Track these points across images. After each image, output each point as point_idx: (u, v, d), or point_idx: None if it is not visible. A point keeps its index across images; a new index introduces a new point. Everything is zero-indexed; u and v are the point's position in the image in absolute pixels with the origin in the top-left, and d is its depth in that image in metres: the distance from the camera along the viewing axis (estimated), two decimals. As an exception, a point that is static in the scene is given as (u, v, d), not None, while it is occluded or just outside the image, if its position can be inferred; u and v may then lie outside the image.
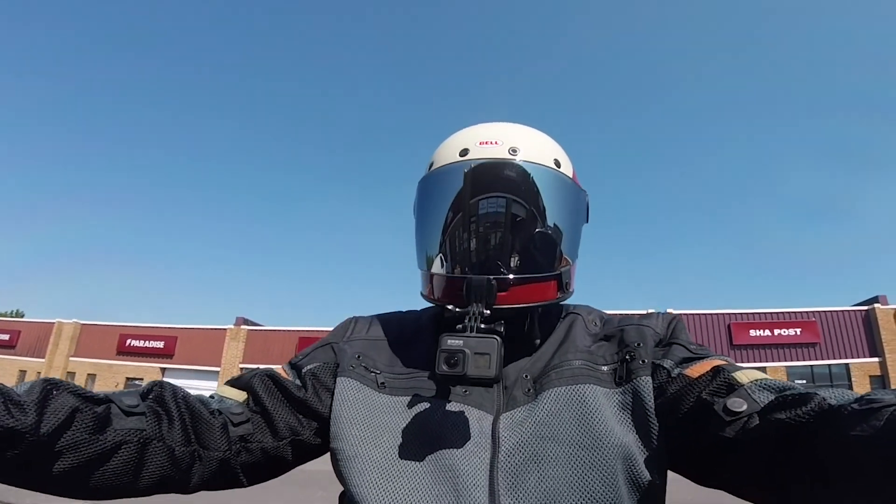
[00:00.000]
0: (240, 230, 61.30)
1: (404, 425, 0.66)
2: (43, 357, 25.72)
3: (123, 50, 59.44)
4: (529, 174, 0.72)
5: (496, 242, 0.71)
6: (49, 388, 0.51)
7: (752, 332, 20.57)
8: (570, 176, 0.78)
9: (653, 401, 0.64)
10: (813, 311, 20.60)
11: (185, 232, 62.40)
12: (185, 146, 56.04)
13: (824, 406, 0.50)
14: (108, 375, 24.68)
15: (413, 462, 0.63)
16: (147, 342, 25.19)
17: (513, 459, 0.62)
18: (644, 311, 0.80)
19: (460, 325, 0.63)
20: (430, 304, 0.78)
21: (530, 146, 0.74)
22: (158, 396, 0.61)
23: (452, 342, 0.60)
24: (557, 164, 0.76)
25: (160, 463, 0.58)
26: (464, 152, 0.74)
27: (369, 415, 0.67)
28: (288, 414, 0.69)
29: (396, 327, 0.80)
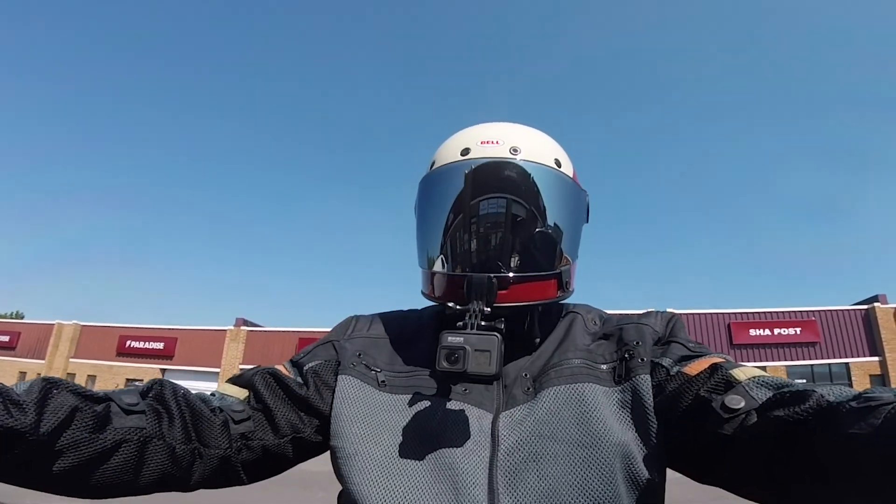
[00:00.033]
0: (240, 230, 61.35)
1: (404, 423, 0.66)
2: (43, 358, 25.68)
3: (123, 50, 59.53)
4: (530, 174, 0.72)
5: (497, 241, 0.71)
6: (48, 387, 0.51)
7: (752, 332, 20.53)
8: (571, 176, 0.78)
9: (652, 399, 0.64)
10: (813, 311, 20.56)
11: (185, 232, 62.49)
12: (185, 146, 56.08)
13: (822, 403, 0.50)
14: (108, 377, 24.63)
15: (413, 460, 0.63)
16: (147, 343, 25.12)
17: (512, 458, 0.62)
18: (643, 311, 0.80)
19: (461, 323, 0.64)
20: (432, 303, 0.78)
21: (531, 146, 0.75)
22: (158, 394, 0.61)
23: (453, 339, 0.60)
24: (558, 163, 0.76)
25: (160, 461, 0.58)
26: (465, 152, 0.74)
27: (369, 413, 0.67)
28: (289, 411, 0.69)
29: (397, 326, 0.80)
